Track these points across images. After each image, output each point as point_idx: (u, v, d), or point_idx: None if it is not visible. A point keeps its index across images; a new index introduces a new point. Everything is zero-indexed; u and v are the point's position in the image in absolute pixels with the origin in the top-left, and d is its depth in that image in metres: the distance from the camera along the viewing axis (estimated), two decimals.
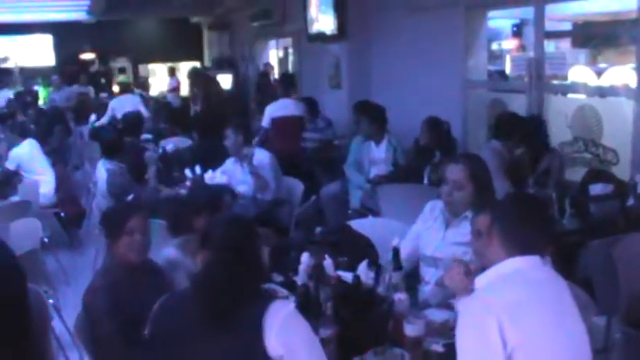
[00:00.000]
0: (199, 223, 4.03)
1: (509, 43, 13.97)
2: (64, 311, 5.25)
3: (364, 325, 3.12)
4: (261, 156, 6.65)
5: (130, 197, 6.22)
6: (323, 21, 10.66)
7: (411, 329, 3.04)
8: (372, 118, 7.54)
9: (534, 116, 6.85)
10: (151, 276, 3.66)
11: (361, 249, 3.99)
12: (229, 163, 6.71)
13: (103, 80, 19.92)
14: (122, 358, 3.31)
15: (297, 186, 7.01)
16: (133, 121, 8.28)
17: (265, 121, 9.30)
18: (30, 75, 19.47)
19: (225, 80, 15.80)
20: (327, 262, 3.44)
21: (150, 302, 3.02)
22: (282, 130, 9.11)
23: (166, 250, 4.00)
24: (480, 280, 2.76)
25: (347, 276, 3.50)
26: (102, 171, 6.73)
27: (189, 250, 3.86)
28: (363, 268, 3.53)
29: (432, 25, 8.79)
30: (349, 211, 7.32)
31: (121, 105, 11.52)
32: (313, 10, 10.99)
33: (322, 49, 11.19)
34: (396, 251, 3.53)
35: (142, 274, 3.61)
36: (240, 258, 2.69)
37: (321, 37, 10.86)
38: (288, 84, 10.22)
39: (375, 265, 3.57)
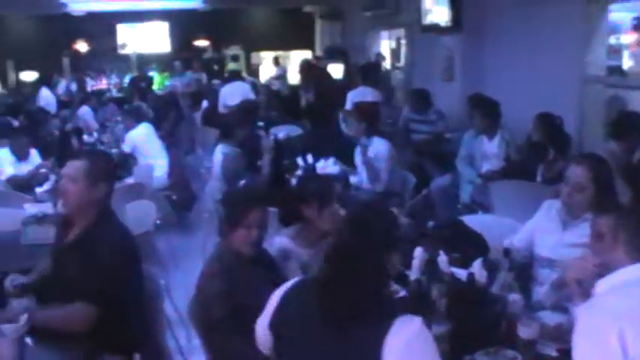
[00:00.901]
0: (309, 213, 4.03)
1: (628, 38, 13.47)
2: (174, 292, 5.36)
3: (477, 324, 3.07)
4: (380, 146, 6.66)
5: (242, 182, 6.32)
6: (437, 12, 10.56)
7: (525, 331, 2.96)
8: (485, 111, 7.42)
9: None
10: (264, 265, 3.69)
11: (474, 246, 3.93)
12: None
13: (215, 67, 20.29)
14: (231, 344, 3.35)
15: (410, 178, 6.98)
16: (248, 109, 8.36)
17: (348, 105, 10.01)
18: (146, 61, 20.05)
19: (337, 70, 15.83)
20: (442, 258, 3.39)
21: (261, 292, 3.05)
22: (362, 113, 9.20)
23: (279, 240, 4.00)
24: (602, 285, 2.66)
25: (460, 273, 3.45)
26: (218, 154, 6.84)
27: (302, 240, 3.92)
28: (477, 266, 3.47)
29: (549, 17, 8.57)
30: (459, 206, 7.23)
31: (231, 92, 11.69)
32: (428, 1, 10.90)
33: (435, 41, 11.08)
34: (506, 252, 3.46)
35: (255, 263, 3.63)
36: (373, 259, 2.53)
37: (435, 28, 10.77)
38: (368, 74, 11.25)
39: (488, 263, 3.50)
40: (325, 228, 3.92)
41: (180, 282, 6.57)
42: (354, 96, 10.34)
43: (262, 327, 2.77)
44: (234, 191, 4.40)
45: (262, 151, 6.69)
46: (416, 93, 9.81)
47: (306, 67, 12.34)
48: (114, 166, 3.94)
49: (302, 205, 4.04)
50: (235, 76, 12.50)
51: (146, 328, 3.80)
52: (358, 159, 6.69)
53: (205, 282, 3.52)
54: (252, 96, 11.43)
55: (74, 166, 3.65)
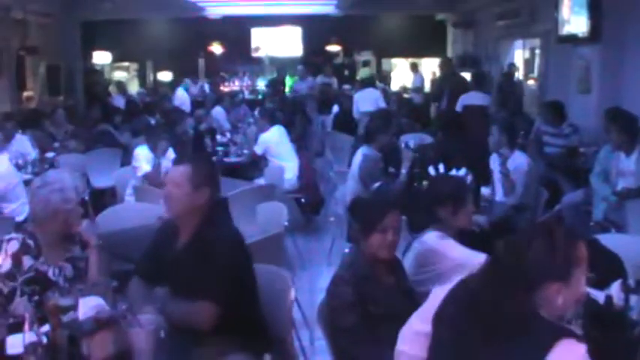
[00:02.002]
0: (443, 214, 4.10)
1: None
2: (299, 294, 5.43)
3: (613, 349, 2.96)
4: (521, 160, 6.59)
5: (376, 185, 6.36)
6: (575, 22, 10.28)
7: None
8: (623, 126, 7.14)
9: None
10: (395, 272, 3.72)
11: (611, 266, 3.80)
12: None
13: (346, 72, 20.45)
14: (360, 351, 3.36)
15: (542, 193, 6.84)
16: (389, 115, 8.35)
17: (458, 107, 11.39)
18: (279, 64, 20.42)
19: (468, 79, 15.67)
20: None
21: (392, 299, 3.02)
22: (471, 115, 10.08)
23: (427, 235, 4.09)
24: None
25: (597, 294, 3.34)
26: (359, 155, 6.88)
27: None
28: (616, 288, 3.35)
29: None
30: (591, 224, 7.00)
31: (363, 98, 11.76)
32: (565, 11, 10.62)
33: (571, 51, 10.79)
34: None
35: (387, 270, 3.66)
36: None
37: (571, 38, 10.48)
38: (479, 81, 12.79)
39: (627, 285, 3.37)
40: (460, 227, 4.09)
41: (305, 284, 6.69)
42: (464, 99, 11.62)
43: (424, 320, 2.69)
44: (369, 196, 4.43)
45: (401, 159, 6.69)
46: (550, 105, 9.59)
47: (447, 64, 12.32)
48: (217, 171, 3.97)
49: (437, 206, 4.12)
50: (368, 82, 12.56)
51: (275, 328, 3.86)
52: (495, 169, 6.61)
53: (337, 288, 3.55)
54: (383, 103, 11.46)
55: (178, 172, 3.67)
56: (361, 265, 3.59)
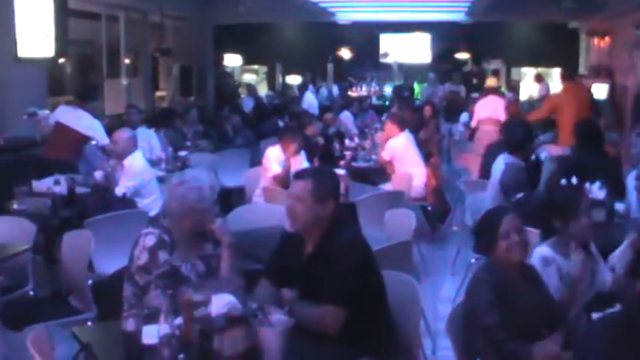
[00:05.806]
0: (557, 224, 4.11)
1: None
2: (422, 303, 5.37)
3: None
4: None
5: (519, 196, 6.24)
6: None
7: None
8: None
9: None
10: (531, 284, 3.72)
11: None
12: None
13: (474, 80, 20.18)
14: (500, 352, 3.37)
15: None
16: (526, 125, 8.18)
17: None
18: (406, 71, 20.37)
19: (601, 90, 15.14)
20: None
21: (525, 306, 2.94)
22: None
23: (540, 248, 4.11)
24: None
25: None
26: (501, 164, 6.74)
27: (561, 249, 4.06)
28: None
29: None
30: None
31: (484, 107, 11.56)
32: None
33: None
34: None
35: (523, 280, 3.68)
36: None
37: None
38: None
39: None
40: (575, 238, 4.03)
41: (428, 293, 6.61)
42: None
43: None
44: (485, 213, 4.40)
45: (538, 171, 6.52)
46: None
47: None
48: (339, 183, 3.95)
49: (551, 215, 4.17)
50: (491, 90, 12.33)
51: (402, 335, 3.83)
52: (631, 184, 6.36)
53: (476, 289, 3.60)
54: (501, 111, 11.21)
55: (300, 187, 3.67)
56: (498, 269, 3.63)
